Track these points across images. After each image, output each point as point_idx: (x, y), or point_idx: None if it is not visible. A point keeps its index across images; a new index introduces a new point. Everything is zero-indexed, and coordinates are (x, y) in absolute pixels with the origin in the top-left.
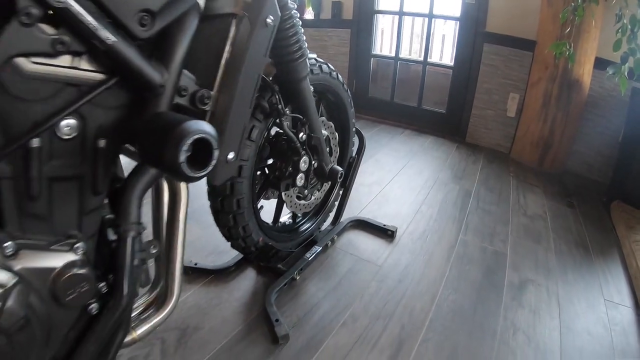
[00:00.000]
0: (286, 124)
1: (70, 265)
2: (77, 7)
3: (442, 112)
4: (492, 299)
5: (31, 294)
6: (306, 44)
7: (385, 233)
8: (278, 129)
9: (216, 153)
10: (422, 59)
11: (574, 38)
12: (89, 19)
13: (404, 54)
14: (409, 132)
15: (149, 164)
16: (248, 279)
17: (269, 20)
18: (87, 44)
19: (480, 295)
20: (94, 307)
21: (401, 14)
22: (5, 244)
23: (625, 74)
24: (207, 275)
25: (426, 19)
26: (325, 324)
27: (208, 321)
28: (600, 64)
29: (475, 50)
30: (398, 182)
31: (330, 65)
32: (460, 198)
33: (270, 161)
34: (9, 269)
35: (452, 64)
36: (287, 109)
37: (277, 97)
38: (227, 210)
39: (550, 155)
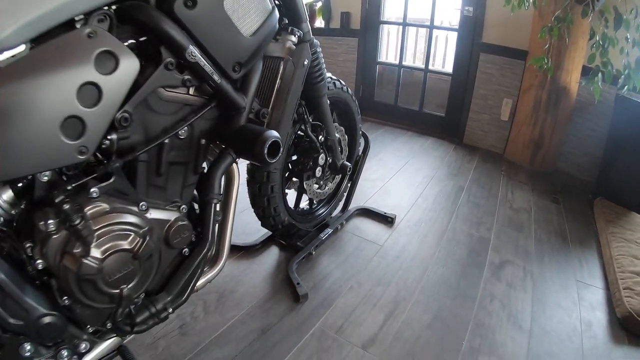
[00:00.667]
0: (309, 128)
1: (178, 219)
2: (203, 61)
3: (442, 115)
4: (474, 274)
5: (156, 236)
6: (325, 69)
7: (386, 220)
8: (301, 133)
9: (282, 150)
10: (424, 66)
11: (561, 49)
12: (209, 68)
13: (407, 61)
14: (411, 133)
15: (241, 155)
16: (272, 254)
17: (305, 62)
18: (201, 81)
19: (464, 271)
20: (186, 250)
21: (405, 24)
22: (142, 203)
23: (599, 83)
24: (239, 251)
25: (428, 30)
26: (336, 288)
27: (241, 286)
28: (588, 72)
29: (472, 59)
30: (399, 178)
31: (342, 82)
32: (453, 192)
33: (294, 157)
34: (145, 218)
35: (451, 71)
36: (310, 118)
37: (303, 109)
38: (263, 194)
39: (540, 155)
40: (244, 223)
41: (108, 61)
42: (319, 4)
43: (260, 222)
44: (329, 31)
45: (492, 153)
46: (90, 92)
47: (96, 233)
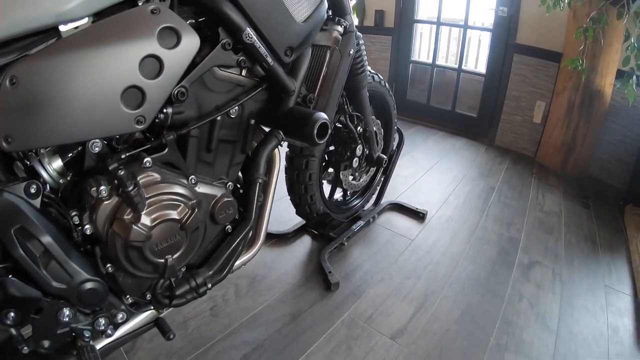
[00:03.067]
0: (348, 119)
1: (224, 195)
2: (258, 43)
3: (474, 116)
4: (504, 273)
5: (203, 210)
6: (367, 61)
7: (418, 215)
8: (339, 125)
9: (329, 131)
10: (457, 66)
11: (595, 51)
12: (263, 50)
13: (440, 61)
14: (443, 133)
15: (290, 136)
16: (304, 243)
17: (351, 52)
18: (254, 63)
19: (493, 269)
20: (229, 227)
21: (439, 23)
22: (191, 177)
23: (634, 87)
24: (271, 238)
25: (461, 30)
26: (367, 279)
27: (273, 272)
28: (622, 75)
29: (505, 60)
30: (430, 176)
31: (379, 76)
32: (484, 192)
33: (331, 148)
34: (194, 191)
35: (484, 71)
36: (350, 108)
37: (344, 99)
38: (301, 181)
39: (572, 159)
40: (277, 211)
41: (170, 37)
42: (354, 2)
43: (295, 210)
44: (363, 29)
45: (523, 156)
46: (152, 65)
47: (147, 201)
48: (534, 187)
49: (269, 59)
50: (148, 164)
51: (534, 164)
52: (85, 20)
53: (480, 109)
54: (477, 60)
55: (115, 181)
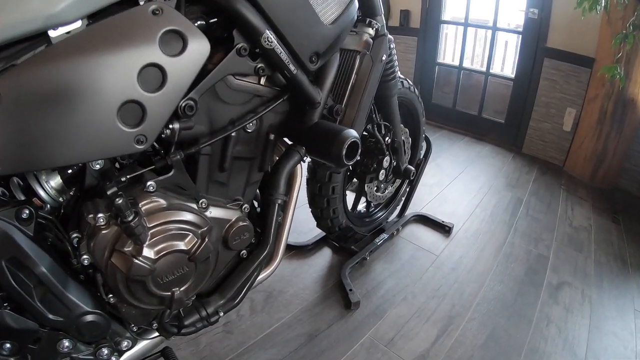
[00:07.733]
0: (376, 128)
1: (239, 219)
2: (280, 48)
3: (501, 122)
4: (532, 293)
5: (214, 237)
6: (398, 67)
7: (443, 228)
8: (365, 133)
9: (359, 151)
10: (484, 69)
11: (630, 58)
12: (285, 56)
13: (466, 63)
14: (468, 139)
15: (314, 154)
16: (325, 256)
17: (383, 57)
18: (274, 70)
19: (521, 290)
20: (244, 252)
21: (466, 25)
22: (202, 200)
23: None
24: (291, 250)
25: (490, 31)
26: (389, 297)
27: (291, 287)
28: None
29: (535, 64)
30: (456, 185)
31: (409, 81)
32: (511, 205)
33: (357, 158)
34: (204, 217)
35: (512, 75)
36: (378, 117)
37: (372, 107)
38: (323, 195)
39: (602, 170)
40: (297, 221)
41: (175, 42)
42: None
43: (315, 222)
44: (387, 29)
45: (551, 165)
46: (153, 75)
47: (150, 231)
48: (562, 200)
49: (292, 67)
50: (152, 187)
51: (563, 174)
52: (79, 23)
53: (507, 115)
54: (504, 63)
55: (114, 209)
